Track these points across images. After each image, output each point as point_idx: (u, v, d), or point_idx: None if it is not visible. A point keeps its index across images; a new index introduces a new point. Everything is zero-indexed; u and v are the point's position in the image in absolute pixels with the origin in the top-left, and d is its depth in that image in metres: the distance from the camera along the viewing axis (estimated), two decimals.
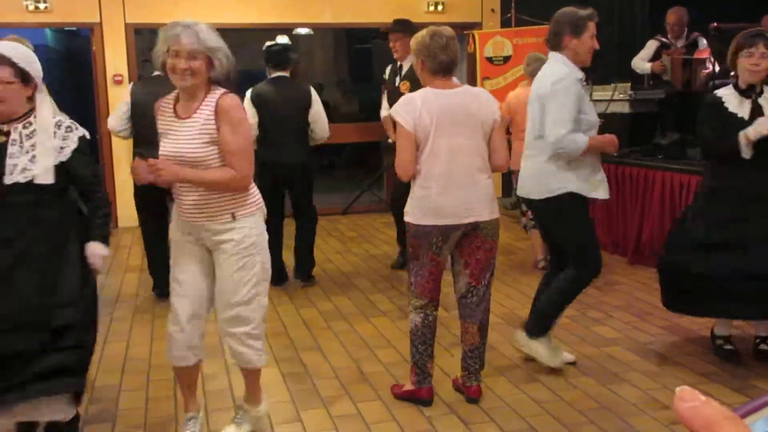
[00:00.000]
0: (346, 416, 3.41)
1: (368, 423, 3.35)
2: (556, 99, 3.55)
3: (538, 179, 3.69)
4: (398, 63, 5.88)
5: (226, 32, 9.92)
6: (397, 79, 5.81)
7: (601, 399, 3.56)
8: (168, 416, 3.48)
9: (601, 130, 3.90)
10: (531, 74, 5.26)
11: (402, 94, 4.46)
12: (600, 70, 7.01)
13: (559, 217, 3.72)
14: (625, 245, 6.27)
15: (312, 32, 11.40)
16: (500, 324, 4.65)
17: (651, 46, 6.88)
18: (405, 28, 5.74)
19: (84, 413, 3.49)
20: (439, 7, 8.71)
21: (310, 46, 13.22)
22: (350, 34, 12.97)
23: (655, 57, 6.80)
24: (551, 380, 3.78)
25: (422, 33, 3.39)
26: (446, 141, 3.27)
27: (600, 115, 6.33)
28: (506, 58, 8.38)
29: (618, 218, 6.36)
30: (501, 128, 3.50)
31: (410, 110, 3.27)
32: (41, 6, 7.68)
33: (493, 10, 8.84)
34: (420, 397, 3.49)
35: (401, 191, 4.63)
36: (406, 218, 3.41)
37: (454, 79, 3.42)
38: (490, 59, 8.47)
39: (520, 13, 8.41)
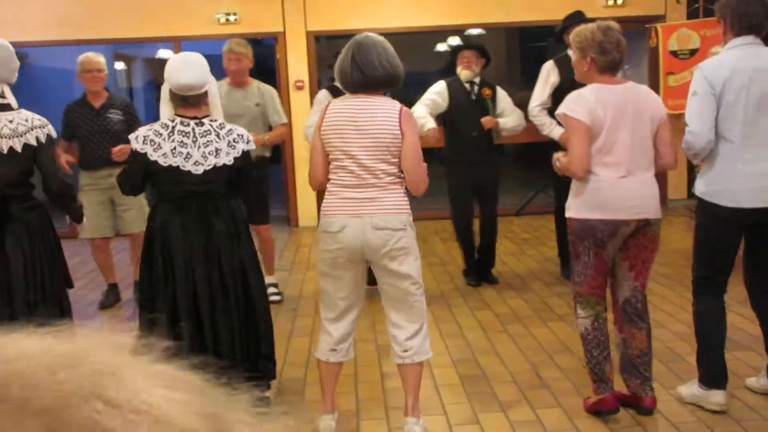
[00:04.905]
0: (525, 422, 3.35)
1: (548, 431, 3.27)
2: None
3: None
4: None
5: (400, 36, 10.10)
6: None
7: None
8: (350, 411, 3.58)
9: None
10: None
11: None
12: None
13: None
14: None
15: (484, 32, 11.35)
16: (688, 333, 4.38)
17: None
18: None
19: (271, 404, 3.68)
20: (619, 0, 8.36)
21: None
22: (523, 33, 12.79)
23: None
24: (749, 396, 3.51)
25: (591, 28, 3.28)
26: (619, 135, 3.19)
27: None
28: (692, 51, 7.90)
29: None
30: (668, 124, 3.33)
31: (583, 104, 3.20)
32: (231, 18, 8.21)
33: (678, 1, 8.37)
34: (604, 407, 3.35)
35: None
36: (568, 213, 3.33)
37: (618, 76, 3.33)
38: (674, 53, 8.03)
39: (708, 2, 7.91)
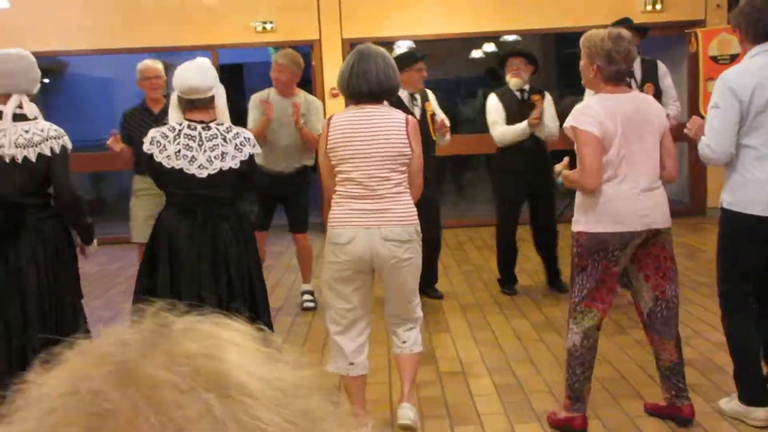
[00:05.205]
0: None
1: None
2: None
3: None
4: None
5: (435, 43, 9.92)
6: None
7: None
8: (385, 420, 3.55)
9: None
10: None
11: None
12: None
13: None
14: None
15: (519, 39, 11.29)
16: None
17: None
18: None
19: None
20: (658, 6, 8.25)
21: None
22: (558, 39, 12.68)
23: None
24: None
25: (601, 34, 3.18)
26: (629, 146, 3.15)
27: None
28: (733, 57, 7.75)
29: None
30: (670, 134, 3.29)
31: (592, 116, 3.14)
32: (268, 27, 8.27)
33: (718, 6, 8.24)
34: (572, 425, 3.28)
35: None
36: (577, 228, 3.25)
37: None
38: (714, 58, 7.89)
39: None
